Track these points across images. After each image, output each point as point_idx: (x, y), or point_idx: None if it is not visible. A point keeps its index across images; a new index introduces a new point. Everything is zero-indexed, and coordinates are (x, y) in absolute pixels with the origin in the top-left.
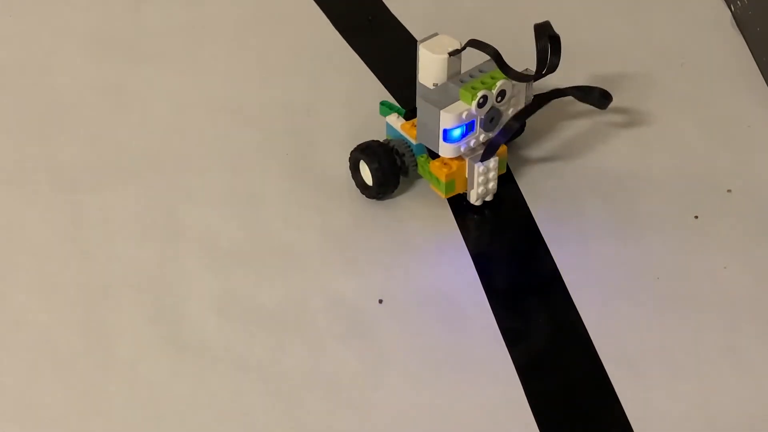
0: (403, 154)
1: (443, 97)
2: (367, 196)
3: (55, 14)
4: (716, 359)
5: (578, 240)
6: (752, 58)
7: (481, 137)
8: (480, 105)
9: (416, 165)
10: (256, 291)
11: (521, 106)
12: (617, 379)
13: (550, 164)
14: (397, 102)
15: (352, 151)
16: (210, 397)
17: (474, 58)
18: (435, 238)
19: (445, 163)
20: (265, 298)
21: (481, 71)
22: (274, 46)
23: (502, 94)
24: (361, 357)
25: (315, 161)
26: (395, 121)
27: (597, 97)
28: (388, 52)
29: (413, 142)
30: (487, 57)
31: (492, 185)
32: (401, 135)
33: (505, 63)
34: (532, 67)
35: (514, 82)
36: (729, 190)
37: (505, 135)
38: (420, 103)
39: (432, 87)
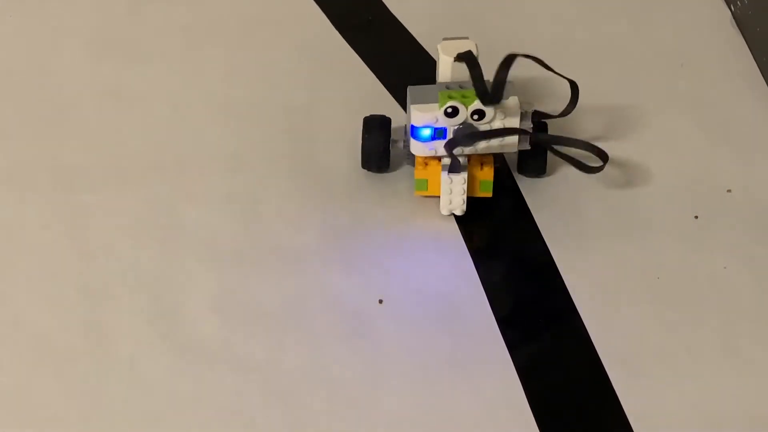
0: (407, 142)
1: (426, 95)
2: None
3: (55, 14)
4: (716, 359)
5: (578, 240)
6: (752, 58)
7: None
8: (448, 114)
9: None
10: (256, 291)
11: (498, 137)
12: (617, 379)
13: (549, 164)
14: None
15: (365, 117)
16: (210, 397)
17: (488, 72)
18: (435, 238)
19: (426, 163)
20: (264, 298)
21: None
22: (274, 46)
23: (479, 113)
24: (361, 357)
25: (315, 161)
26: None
27: (586, 163)
28: (388, 52)
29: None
30: (499, 70)
31: (457, 200)
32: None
33: (482, 86)
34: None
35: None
36: (729, 190)
37: (449, 145)
38: (408, 93)
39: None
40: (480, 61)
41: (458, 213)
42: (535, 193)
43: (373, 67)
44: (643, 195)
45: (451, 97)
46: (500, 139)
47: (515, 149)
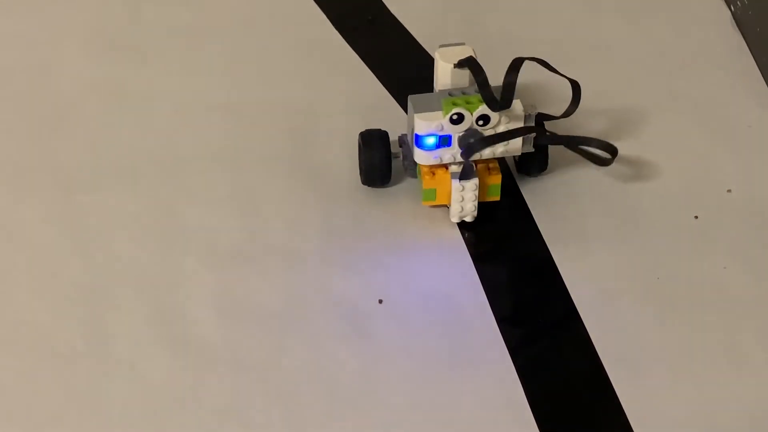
0: (406, 156)
1: (429, 103)
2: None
3: (55, 14)
4: (716, 359)
5: (578, 240)
6: (752, 58)
7: (458, 155)
8: (453, 121)
9: (416, 165)
10: (256, 291)
11: (517, 137)
12: (617, 379)
13: (549, 163)
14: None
15: (361, 132)
16: (210, 397)
17: (492, 78)
18: (435, 238)
19: (433, 172)
20: (265, 298)
21: (477, 91)
22: (274, 46)
23: (484, 118)
24: (361, 357)
25: (315, 161)
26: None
27: (599, 155)
28: (388, 52)
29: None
30: (508, 74)
31: (469, 206)
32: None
33: (489, 92)
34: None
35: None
36: (729, 190)
37: (466, 153)
38: (409, 102)
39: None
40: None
41: (469, 219)
42: (535, 193)
43: (373, 67)
44: (643, 195)
45: (455, 104)
46: (506, 143)
47: (519, 152)
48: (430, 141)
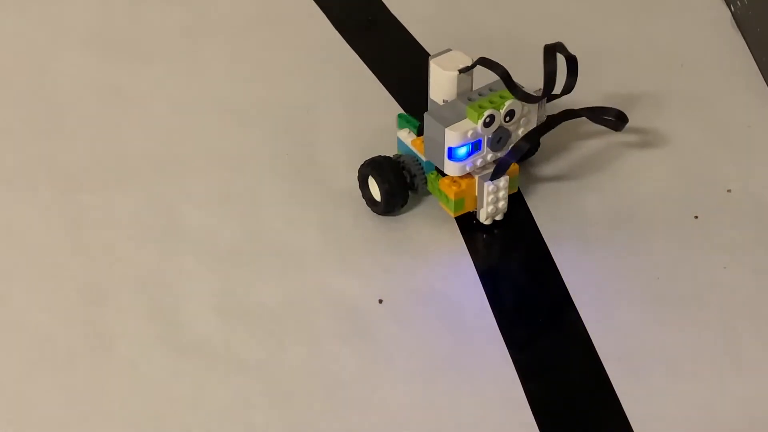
0: (414, 174)
1: (450, 114)
2: (374, 211)
3: (55, 14)
4: (716, 359)
5: (578, 239)
6: (752, 58)
7: (489, 156)
8: (486, 124)
9: (426, 182)
10: (256, 291)
11: (533, 125)
12: (617, 379)
13: (550, 163)
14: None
15: (360, 167)
16: (210, 397)
17: (486, 76)
18: (435, 238)
19: (454, 181)
20: (265, 297)
21: (491, 90)
22: (274, 46)
23: (510, 114)
24: (361, 357)
25: (315, 161)
26: (406, 136)
27: (612, 118)
28: (388, 52)
29: (423, 158)
30: (548, 62)
31: (502, 204)
32: (412, 151)
33: (513, 83)
34: (540, 82)
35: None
36: (729, 190)
37: (515, 155)
38: (427, 120)
39: (441, 104)
40: (492, 77)
41: (499, 218)
42: (535, 193)
43: (372, 67)
44: (643, 195)
45: (482, 107)
46: (522, 129)
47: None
48: (463, 151)
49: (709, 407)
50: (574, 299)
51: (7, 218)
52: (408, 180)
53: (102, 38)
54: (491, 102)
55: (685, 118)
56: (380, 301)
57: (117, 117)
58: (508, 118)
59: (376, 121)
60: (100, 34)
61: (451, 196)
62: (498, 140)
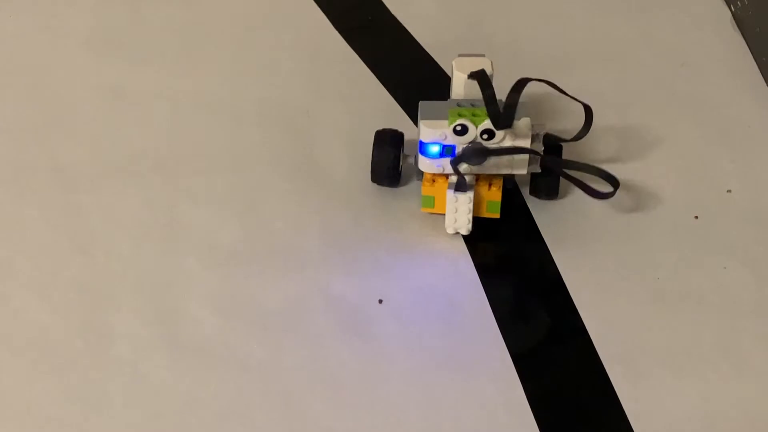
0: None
1: (437, 111)
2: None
3: (55, 14)
4: (716, 359)
5: (578, 239)
6: (752, 58)
7: (462, 167)
8: (457, 132)
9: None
10: (255, 291)
11: (509, 154)
12: (617, 379)
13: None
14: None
15: (377, 130)
16: (210, 397)
17: (502, 89)
18: (435, 238)
19: (434, 180)
20: (264, 297)
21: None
22: (274, 46)
23: (488, 133)
24: (361, 357)
25: (315, 161)
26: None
27: (598, 190)
28: (388, 52)
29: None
30: (510, 93)
31: (462, 220)
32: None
33: (495, 108)
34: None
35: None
36: (729, 190)
37: (454, 162)
38: (420, 109)
39: (447, 100)
40: (489, 59)
41: (463, 232)
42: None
43: (372, 67)
44: (643, 195)
45: (460, 115)
46: (510, 159)
47: (525, 171)
48: (434, 149)
49: (709, 407)
50: (574, 299)
51: (7, 218)
52: (413, 163)
53: (102, 38)
54: (474, 114)
55: (685, 118)
56: (380, 301)
57: (117, 117)
58: (485, 136)
59: (376, 121)
60: (100, 34)
61: (422, 191)
62: (475, 155)
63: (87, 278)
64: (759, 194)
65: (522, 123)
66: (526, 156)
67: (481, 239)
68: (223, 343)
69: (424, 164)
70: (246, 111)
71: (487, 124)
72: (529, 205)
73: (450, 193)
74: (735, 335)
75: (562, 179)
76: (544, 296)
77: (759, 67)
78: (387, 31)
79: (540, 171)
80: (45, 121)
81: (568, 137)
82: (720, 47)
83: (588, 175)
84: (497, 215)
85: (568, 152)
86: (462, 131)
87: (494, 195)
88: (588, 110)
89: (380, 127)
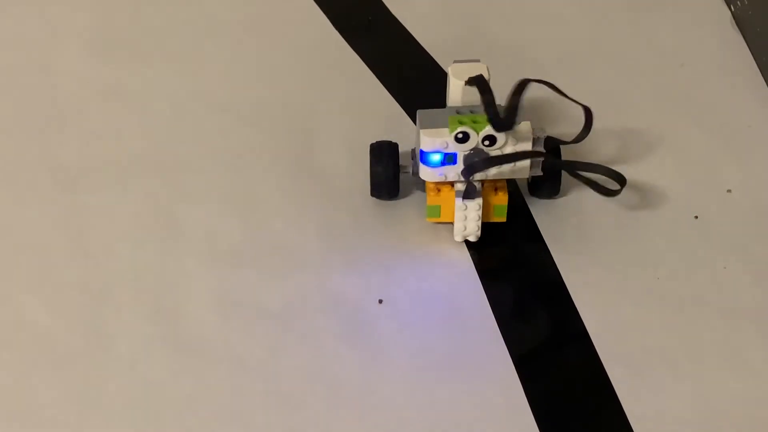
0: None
1: (436, 119)
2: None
3: (55, 14)
4: (716, 359)
5: (578, 240)
6: (752, 58)
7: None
8: (458, 140)
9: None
10: (255, 291)
11: (519, 160)
12: (617, 379)
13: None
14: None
15: (371, 144)
16: (210, 397)
17: (504, 95)
18: (435, 238)
19: (438, 189)
20: (264, 297)
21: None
22: (274, 46)
23: (489, 139)
24: (361, 357)
25: (315, 161)
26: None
27: (605, 186)
28: (388, 52)
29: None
30: (512, 95)
31: (472, 226)
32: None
33: (494, 113)
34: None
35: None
36: (729, 190)
37: (466, 173)
38: (418, 117)
39: (445, 108)
40: (484, 64)
41: (472, 239)
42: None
43: (372, 67)
44: (643, 195)
45: (461, 122)
46: (512, 164)
47: (527, 174)
48: (436, 158)
49: (709, 407)
50: (573, 299)
51: (7, 218)
52: (410, 172)
53: (102, 38)
54: (474, 121)
55: (684, 117)
56: (380, 301)
57: (117, 117)
58: (487, 143)
59: (376, 122)
60: (100, 34)
61: (428, 201)
62: (482, 161)
63: (87, 278)
64: (759, 194)
65: (523, 127)
66: (529, 160)
67: (481, 240)
68: (223, 342)
69: (426, 174)
70: (246, 111)
71: (489, 130)
72: (529, 205)
73: (459, 202)
74: (735, 335)
75: (561, 180)
76: (544, 296)
77: (759, 67)
78: (387, 31)
79: (541, 174)
80: (45, 121)
81: (568, 140)
82: (720, 47)
83: (593, 174)
84: (504, 219)
85: (569, 154)
86: (464, 138)
87: (501, 199)
88: (588, 112)
89: (380, 127)
